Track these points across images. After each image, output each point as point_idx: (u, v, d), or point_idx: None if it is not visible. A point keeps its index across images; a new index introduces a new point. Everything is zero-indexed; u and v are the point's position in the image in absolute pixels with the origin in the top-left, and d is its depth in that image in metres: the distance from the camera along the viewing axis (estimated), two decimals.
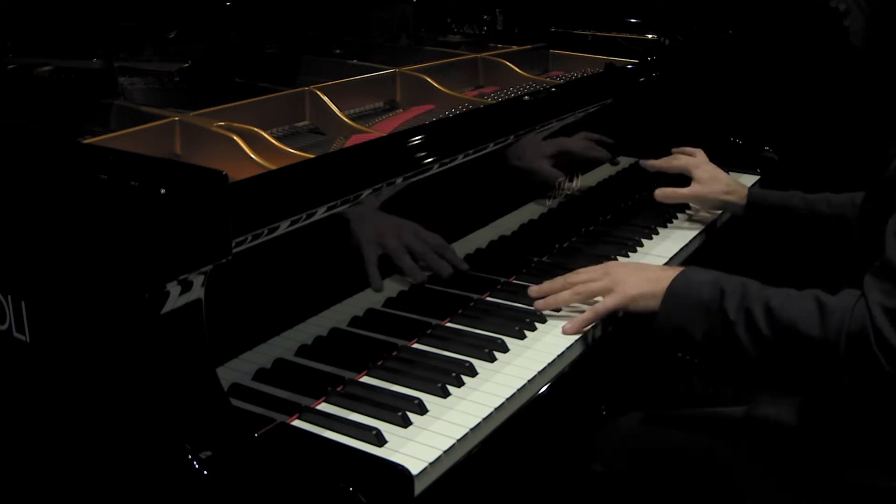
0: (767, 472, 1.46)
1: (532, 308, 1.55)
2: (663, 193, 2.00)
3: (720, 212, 2.06)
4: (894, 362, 1.18)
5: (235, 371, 1.20)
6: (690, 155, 2.07)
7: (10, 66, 1.83)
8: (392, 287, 1.44)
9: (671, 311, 1.39)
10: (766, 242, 1.97)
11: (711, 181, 1.98)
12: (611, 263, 1.60)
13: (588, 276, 1.53)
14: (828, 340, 1.23)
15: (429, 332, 1.48)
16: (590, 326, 1.50)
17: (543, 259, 1.80)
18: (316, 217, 1.22)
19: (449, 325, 1.51)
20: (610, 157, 2.07)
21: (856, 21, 1.46)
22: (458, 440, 1.19)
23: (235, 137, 1.39)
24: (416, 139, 1.43)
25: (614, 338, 1.59)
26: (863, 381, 1.22)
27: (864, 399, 1.28)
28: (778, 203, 1.90)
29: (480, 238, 1.63)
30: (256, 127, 1.45)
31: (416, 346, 1.44)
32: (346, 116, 1.63)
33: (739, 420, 1.56)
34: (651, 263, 1.57)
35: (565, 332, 1.47)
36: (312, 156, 1.35)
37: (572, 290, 1.52)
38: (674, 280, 1.41)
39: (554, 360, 1.41)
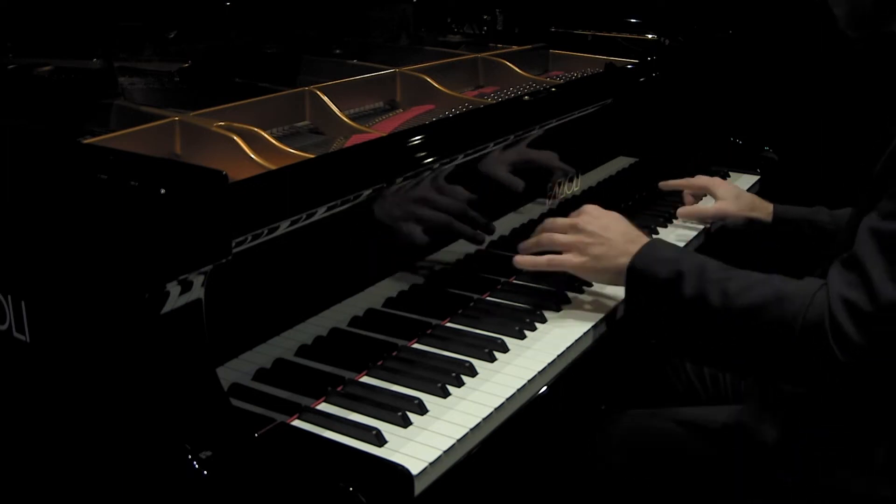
0: (764, 473, 1.46)
1: (533, 308, 1.55)
2: (687, 212, 1.94)
3: None
4: (848, 352, 1.18)
5: (235, 371, 1.20)
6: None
7: (10, 66, 1.83)
8: (392, 287, 1.44)
9: (634, 290, 1.40)
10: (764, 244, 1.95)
11: (736, 199, 1.92)
12: (585, 218, 1.55)
13: (560, 226, 1.56)
14: (782, 326, 1.23)
15: (429, 332, 1.47)
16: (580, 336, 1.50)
17: None
18: (316, 217, 1.22)
19: (449, 325, 1.51)
20: (610, 157, 2.07)
21: (841, 6, 1.44)
22: (458, 440, 1.19)
23: (235, 137, 1.39)
24: (416, 139, 1.43)
25: (614, 338, 1.59)
26: (814, 370, 1.23)
27: (813, 387, 1.29)
28: (804, 219, 1.85)
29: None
30: (256, 127, 1.45)
31: (416, 346, 1.44)
32: (346, 116, 1.63)
33: (737, 420, 1.56)
34: (624, 224, 1.54)
35: (516, 263, 1.53)
36: (312, 156, 1.35)
37: (537, 237, 1.55)
38: (633, 258, 1.41)
39: (554, 360, 1.41)
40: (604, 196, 2.02)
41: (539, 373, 1.37)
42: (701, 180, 2.01)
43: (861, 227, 1.25)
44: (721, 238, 2.01)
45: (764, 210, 1.90)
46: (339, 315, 1.35)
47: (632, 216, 2.05)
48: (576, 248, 1.51)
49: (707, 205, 1.97)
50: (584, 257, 1.50)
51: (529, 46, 2.30)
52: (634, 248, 1.44)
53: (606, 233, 1.50)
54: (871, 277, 1.19)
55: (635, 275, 1.41)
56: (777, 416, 1.48)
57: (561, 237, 1.54)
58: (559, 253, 1.55)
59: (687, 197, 2.03)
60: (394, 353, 1.40)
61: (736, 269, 1.34)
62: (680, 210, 1.98)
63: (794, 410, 1.46)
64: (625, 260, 1.43)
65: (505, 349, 1.42)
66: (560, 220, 1.58)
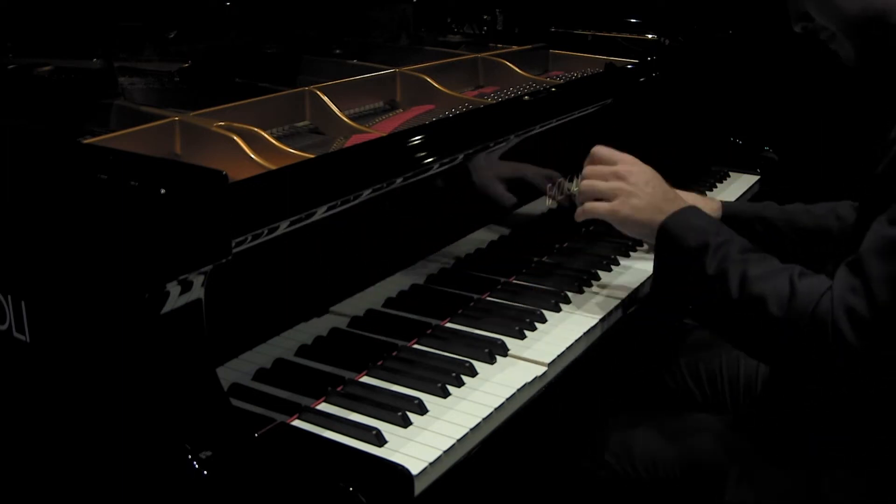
0: (761, 475, 1.46)
1: (532, 308, 1.55)
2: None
3: None
4: (848, 356, 1.19)
5: (235, 371, 1.20)
6: None
7: (10, 66, 1.83)
8: (392, 287, 1.44)
9: (662, 249, 1.43)
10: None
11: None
12: (627, 168, 1.55)
13: (601, 173, 1.55)
14: (789, 323, 1.24)
15: (429, 332, 1.48)
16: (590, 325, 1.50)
17: (543, 259, 1.80)
18: (316, 217, 1.22)
19: (449, 325, 1.51)
20: None
21: (842, 46, 1.42)
22: (458, 440, 1.19)
23: (235, 137, 1.39)
24: (416, 139, 1.43)
25: (614, 340, 1.59)
26: (817, 369, 1.25)
27: (816, 381, 1.31)
28: (753, 215, 1.82)
29: (480, 238, 1.63)
30: (256, 127, 1.45)
31: (416, 346, 1.44)
32: (346, 116, 1.63)
33: (735, 424, 1.56)
34: (663, 184, 1.55)
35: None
36: (312, 156, 1.35)
37: (582, 183, 1.56)
38: (666, 219, 1.43)
39: (554, 360, 1.41)
40: None
41: (539, 373, 1.37)
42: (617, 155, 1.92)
43: (870, 230, 1.24)
44: None
45: (709, 207, 1.82)
46: (339, 315, 1.35)
47: None
48: (615, 196, 1.50)
49: None
50: (619, 205, 1.49)
51: (529, 46, 2.30)
52: (670, 208, 1.44)
53: (647, 187, 1.50)
54: (871, 284, 1.19)
55: (665, 236, 1.42)
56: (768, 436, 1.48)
57: (602, 185, 1.53)
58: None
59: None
60: (394, 353, 1.40)
61: (759, 252, 1.36)
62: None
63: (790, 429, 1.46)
64: (660, 218, 1.44)
65: (505, 349, 1.42)
66: (601, 168, 1.56)
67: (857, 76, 1.46)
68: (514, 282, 1.69)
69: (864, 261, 1.22)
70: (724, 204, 1.87)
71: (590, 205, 1.53)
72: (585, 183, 1.56)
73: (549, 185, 1.80)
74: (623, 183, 1.51)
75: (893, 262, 1.19)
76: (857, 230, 1.37)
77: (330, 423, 1.21)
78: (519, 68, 2.04)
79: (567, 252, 1.84)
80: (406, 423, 1.21)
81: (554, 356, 1.42)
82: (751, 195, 2.38)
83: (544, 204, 1.80)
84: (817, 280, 1.27)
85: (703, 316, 1.43)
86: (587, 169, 1.58)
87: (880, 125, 1.37)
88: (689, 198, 1.89)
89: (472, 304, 1.58)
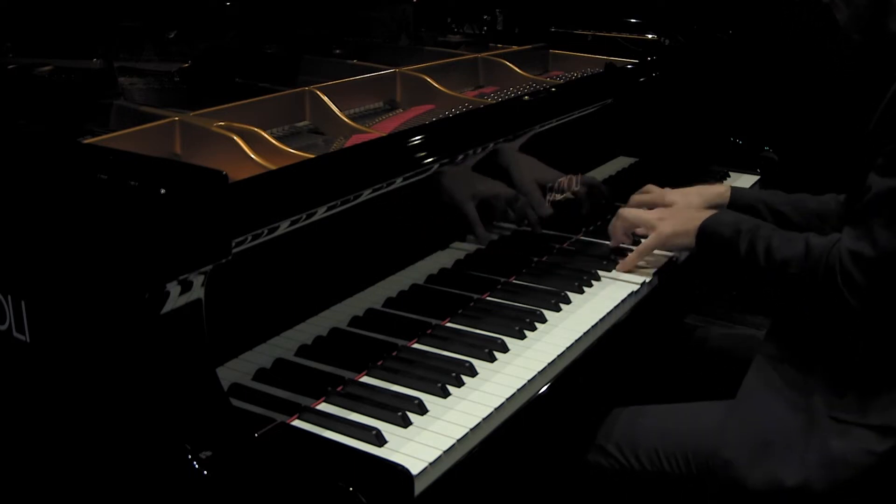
0: (764, 468, 1.46)
1: (532, 308, 1.55)
2: (641, 232, 1.86)
3: None
4: (858, 298, 1.37)
5: (235, 371, 1.20)
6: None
7: (10, 66, 1.83)
8: (392, 287, 1.44)
9: (703, 246, 1.65)
10: None
11: (684, 197, 1.86)
12: (659, 210, 1.77)
13: (644, 205, 1.80)
14: (807, 277, 1.44)
15: (429, 332, 1.47)
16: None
17: (543, 259, 1.80)
18: (316, 217, 1.22)
19: (449, 325, 1.51)
20: (610, 157, 2.07)
21: (841, 11, 1.50)
22: (459, 440, 1.19)
23: (235, 137, 1.39)
24: (416, 139, 1.43)
25: (615, 339, 1.59)
26: (835, 314, 1.42)
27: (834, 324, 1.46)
28: (758, 199, 1.85)
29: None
30: (256, 127, 1.45)
31: (416, 346, 1.44)
32: (346, 116, 1.63)
33: (736, 415, 1.56)
34: (687, 209, 1.77)
35: (618, 269, 1.73)
36: (312, 156, 1.35)
37: (621, 212, 1.78)
38: (704, 221, 1.64)
39: (554, 359, 1.41)
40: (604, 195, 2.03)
41: (539, 372, 1.37)
42: (645, 196, 1.90)
43: (867, 185, 1.38)
44: None
45: (717, 191, 1.88)
46: (339, 315, 1.35)
47: None
48: (660, 219, 1.71)
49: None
50: (663, 226, 1.69)
51: (529, 46, 2.30)
52: (703, 216, 1.65)
53: (677, 210, 1.76)
54: (873, 229, 1.35)
55: (704, 233, 1.63)
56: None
57: (646, 213, 1.75)
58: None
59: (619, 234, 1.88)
60: (394, 353, 1.40)
61: (783, 230, 1.55)
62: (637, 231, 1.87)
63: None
64: (697, 223, 1.65)
65: (505, 349, 1.42)
66: (643, 202, 1.82)
67: (852, 59, 1.53)
68: (514, 282, 1.69)
69: (865, 210, 1.37)
70: (733, 190, 1.91)
71: (640, 247, 1.72)
72: (627, 212, 1.77)
73: (550, 184, 1.80)
74: (660, 212, 1.75)
75: (890, 207, 1.34)
76: (852, 190, 1.47)
77: (330, 423, 1.21)
78: (519, 68, 2.04)
79: (567, 252, 1.84)
80: (406, 423, 1.21)
81: (554, 356, 1.42)
82: None
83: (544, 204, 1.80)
84: (828, 238, 1.45)
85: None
86: (632, 207, 1.81)
87: (872, 95, 1.41)
88: (693, 189, 1.92)
89: (472, 304, 1.58)
